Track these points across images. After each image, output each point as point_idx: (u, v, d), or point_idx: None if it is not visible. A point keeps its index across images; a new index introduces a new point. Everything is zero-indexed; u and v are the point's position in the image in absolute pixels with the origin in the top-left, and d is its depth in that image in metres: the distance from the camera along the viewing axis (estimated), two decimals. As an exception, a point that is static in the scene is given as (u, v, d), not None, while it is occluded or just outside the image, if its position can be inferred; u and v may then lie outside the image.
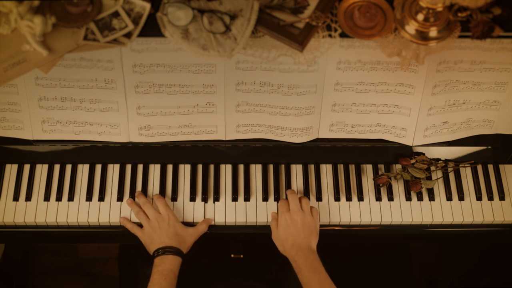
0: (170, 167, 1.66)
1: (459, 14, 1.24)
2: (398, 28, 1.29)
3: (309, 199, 1.63)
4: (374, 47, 1.41)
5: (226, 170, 1.66)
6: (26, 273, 2.37)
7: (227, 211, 1.61)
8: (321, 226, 1.62)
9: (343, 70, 1.46)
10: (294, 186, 1.64)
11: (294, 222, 1.51)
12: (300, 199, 1.56)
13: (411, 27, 1.27)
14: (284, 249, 1.50)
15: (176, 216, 1.57)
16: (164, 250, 1.48)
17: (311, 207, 1.55)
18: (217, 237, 1.64)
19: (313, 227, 1.52)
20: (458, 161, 1.68)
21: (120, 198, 1.62)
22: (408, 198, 1.64)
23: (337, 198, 1.63)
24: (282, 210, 1.54)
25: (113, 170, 1.65)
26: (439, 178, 1.66)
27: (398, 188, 1.65)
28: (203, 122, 1.57)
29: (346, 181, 1.66)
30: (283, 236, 1.51)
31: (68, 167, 1.65)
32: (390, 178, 1.63)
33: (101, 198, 1.61)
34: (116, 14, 1.28)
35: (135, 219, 1.58)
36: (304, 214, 1.52)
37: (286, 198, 1.59)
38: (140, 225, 1.57)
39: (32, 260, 2.41)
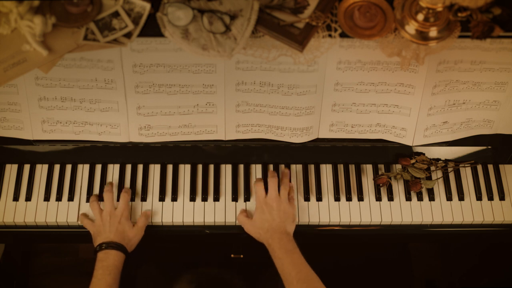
0: (170, 167, 1.66)
1: (459, 14, 1.24)
2: (398, 28, 1.29)
3: (309, 199, 1.63)
4: (374, 47, 1.41)
5: (226, 170, 1.66)
6: (26, 273, 2.37)
7: (227, 211, 1.61)
8: (321, 226, 1.62)
9: (343, 70, 1.46)
10: (294, 186, 1.64)
11: (270, 209, 1.52)
12: (280, 185, 1.57)
13: (411, 27, 1.27)
14: (260, 235, 1.51)
15: (128, 216, 1.56)
16: (108, 245, 1.49)
17: (289, 194, 1.56)
18: (217, 237, 1.64)
19: (289, 212, 1.53)
20: (458, 161, 1.68)
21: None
22: (408, 198, 1.64)
23: (337, 198, 1.63)
24: (258, 195, 1.55)
25: (113, 170, 1.65)
26: (439, 178, 1.66)
27: (398, 188, 1.65)
28: (203, 122, 1.57)
29: (346, 181, 1.66)
30: (259, 223, 1.52)
31: (68, 167, 1.65)
32: (390, 178, 1.63)
33: (102, 198, 1.61)
34: (116, 14, 1.28)
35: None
36: (281, 200, 1.53)
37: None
38: None
39: (32, 260, 2.41)
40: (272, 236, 1.48)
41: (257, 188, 1.56)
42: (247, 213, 1.58)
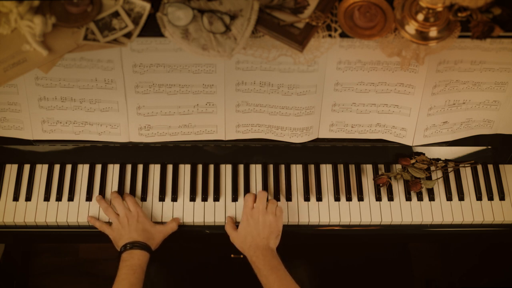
0: (170, 167, 1.66)
1: (459, 14, 1.24)
2: (398, 28, 1.29)
3: (309, 199, 1.63)
4: (374, 47, 1.41)
5: (226, 170, 1.66)
6: (26, 273, 2.37)
7: (227, 211, 1.61)
8: (321, 226, 1.62)
9: (343, 70, 1.46)
10: (294, 186, 1.64)
11: (255, 222, 1.51)
12: (268, 201, 1.56)
13: (411, 27, 1.27)
14: (243, 249, 1.51)
15: (145, 213, 1.57)
16: (133, 245, 1.48)
17: (277, 207, 1.55)
18: (217, 237, 1.64)
19: (273, 227, 1.51)
20: (458, 161, 1.68)
21: (120, 198, 1.62)
22: (408, 198, 1.64)
23: (337, 198, 1.63)
24: (246, 206, 1.55)
25: (113, 170, 1.65)
26: (439, 178, 1.66)
27: (398, 188, 1.65)
28: (203, 122, 1.57)
29: (346, 181, 1.66)
30: (242, 236, 1.52)
31: (68, 167, 1.65)
32: (390, 178, 1.63)
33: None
34: (116, 14, 1.28)
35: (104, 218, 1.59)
36: (267, 213, 1.52)
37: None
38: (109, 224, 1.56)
39: (32, 260, 2.41)
40: (255, 253, 1.47)
41: (246, 198, 1.56)
42: (234, 223, 1.58)
